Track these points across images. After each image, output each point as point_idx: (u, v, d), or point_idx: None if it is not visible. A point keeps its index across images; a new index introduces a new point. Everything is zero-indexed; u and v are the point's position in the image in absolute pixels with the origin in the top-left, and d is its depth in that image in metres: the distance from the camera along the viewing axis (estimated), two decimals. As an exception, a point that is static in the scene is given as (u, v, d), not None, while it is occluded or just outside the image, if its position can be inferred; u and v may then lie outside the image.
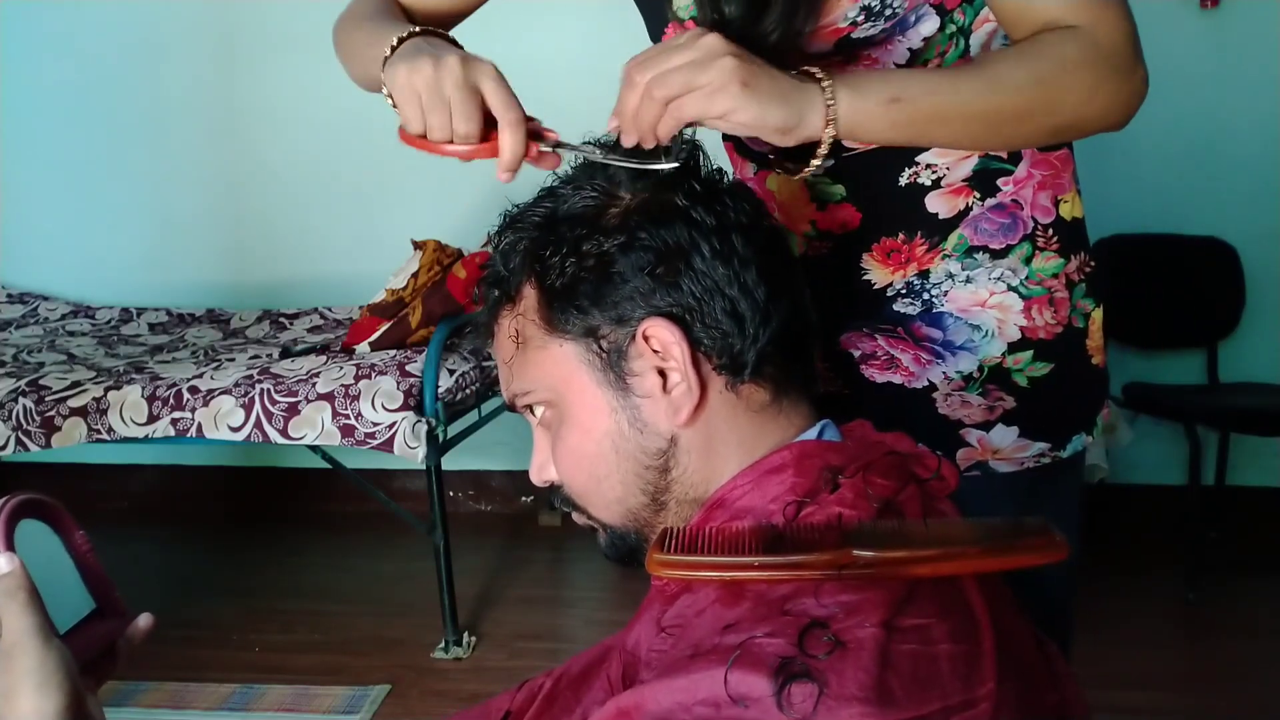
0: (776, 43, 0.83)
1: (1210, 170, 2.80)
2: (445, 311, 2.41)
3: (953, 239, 0.94)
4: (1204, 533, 2.66)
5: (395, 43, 0.80)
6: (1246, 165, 2.77)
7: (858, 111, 0.75)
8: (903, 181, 0.93)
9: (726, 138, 1.08)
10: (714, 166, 0.75)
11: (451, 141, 0.75)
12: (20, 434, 2.28)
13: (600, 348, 0.70)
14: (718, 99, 0.71)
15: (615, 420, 0.70)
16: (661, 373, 0.69)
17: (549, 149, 0.75)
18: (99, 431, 2.27)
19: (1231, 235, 2.77)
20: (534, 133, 0.75)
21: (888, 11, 0.84)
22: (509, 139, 0.73)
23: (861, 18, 0.84)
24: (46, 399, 2.29)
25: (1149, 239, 2.77)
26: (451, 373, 2.32)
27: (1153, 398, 2.65)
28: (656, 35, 0.96)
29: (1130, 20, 0.81)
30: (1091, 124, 0.83)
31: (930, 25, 0.87)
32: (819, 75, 0.75)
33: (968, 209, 0.94)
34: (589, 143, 0.75)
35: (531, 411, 0.75)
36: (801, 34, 0.85)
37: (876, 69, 0.82)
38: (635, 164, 0.72)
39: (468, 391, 2.39)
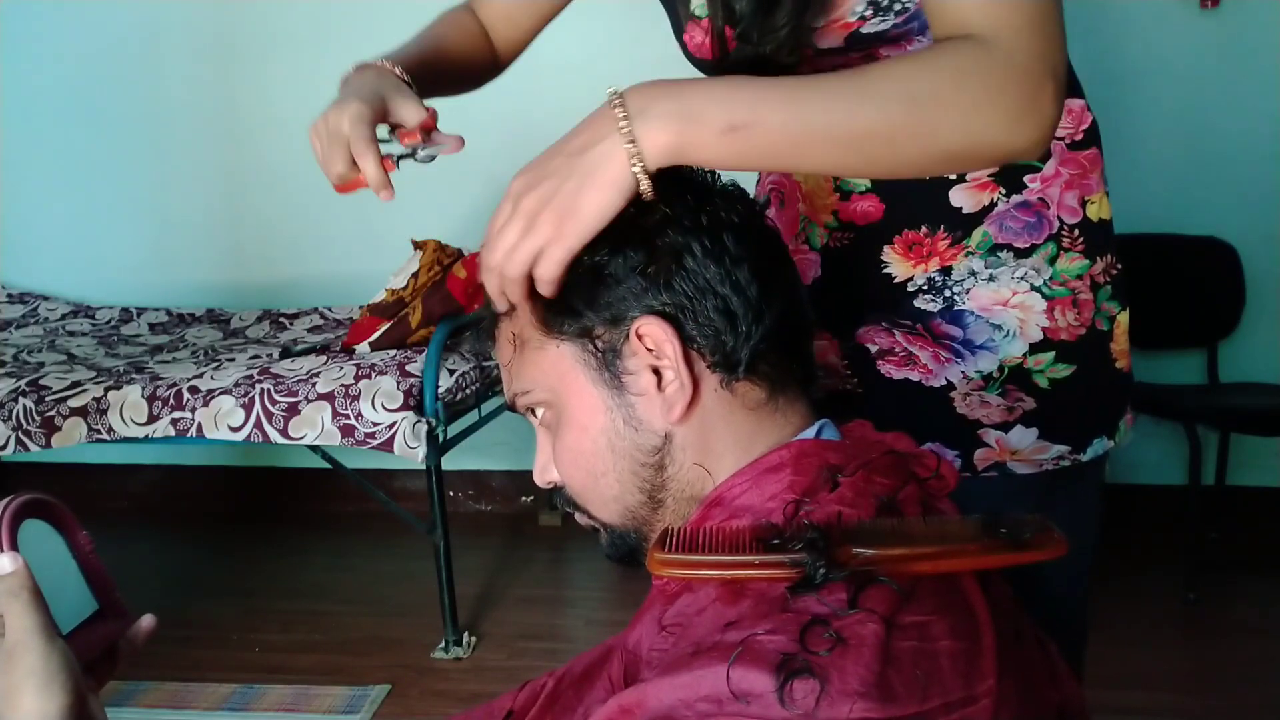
0: (786, 38, 0.83)
1: (1210, 170, 2.80)
2: (445, 311, 2.41)
3: (977, 235, 0.94)
4: (1204, 533, 2.66)
5: (347, 76, 0.90)
6: (1246, 165, 2.77)
7: (683, 144, 0.68)
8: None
9: None
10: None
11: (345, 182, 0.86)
12: (20, 434, 2.28)
13: (595, 347, 0.70)
14: (559, 248, 0.68)
15: (611, 418, 0.71)
16: (656, 371, 0.69)
17: (394, 160, 0.86)
18: (99, 431, 2.27)
19: (1231, 235, 2.76)
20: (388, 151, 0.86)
21: (896, 6, 0.84)
22: (363, 165, 0.82)
23: (870, 12, 0.84)
24: (46, 399, 2.29)
25: (1149, 239, 2.77)
26: (451, 373, 2.32)
27: (1153, 398, 2.65)
28: (679, 32, 0.97)
29: (1048, 36, 0.72)
30: (989, 148, 0.72)
31: None
32: (616, 108, 0.68)
33: (992, 204, 0.93)
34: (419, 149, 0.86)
35: (533, 413, 0.76)
36: (812, 29, 0.85)
37: (727, 80, 0.71)
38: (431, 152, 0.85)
39: (468, 391, 2.39)
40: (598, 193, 0.68)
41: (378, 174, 0.82)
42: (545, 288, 0.70)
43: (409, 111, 0.85)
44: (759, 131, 0.68)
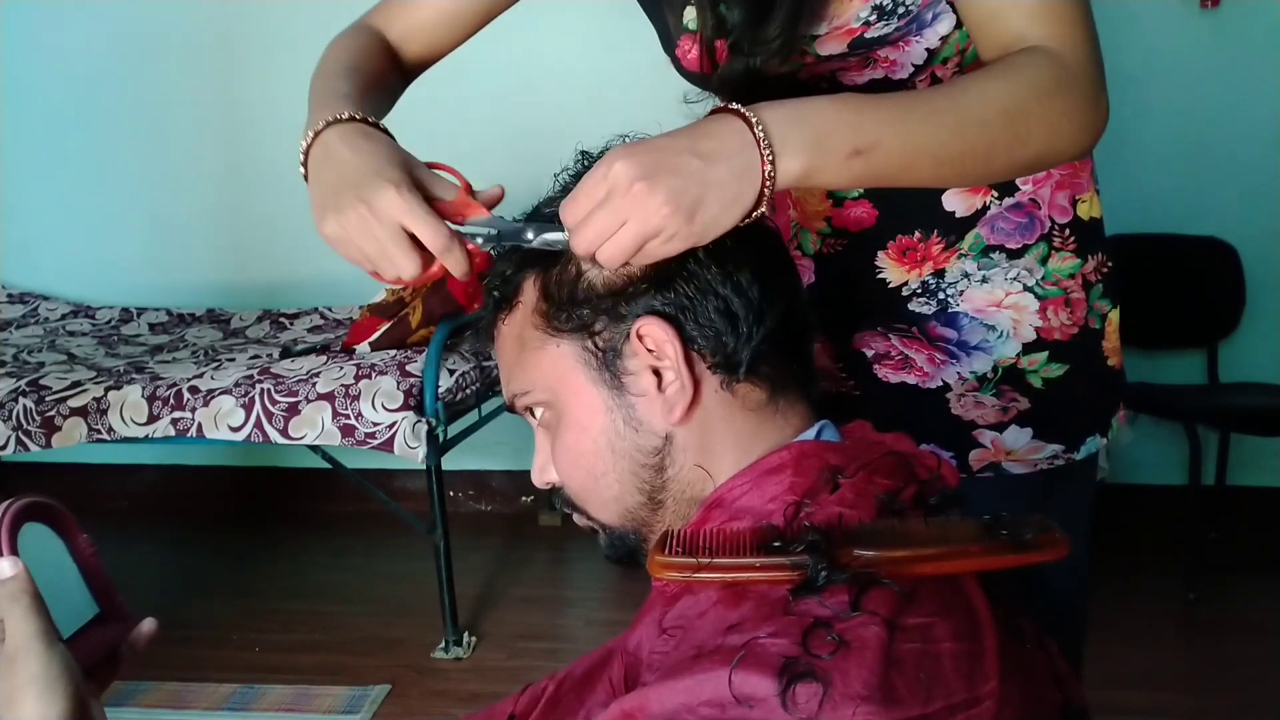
0: (779, 49, 0.82)
1: (1210, 170, 2.80)
2: (445, 311, 2.41)
3: (969, 238, 0.94)
4: (1204, 533, 2.66)
5: (305, 145, 0.78)
6: (1246, 165, 2.77)
7: (811, 170, 0.68)
8: None
9: None
10: None
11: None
12: (20, 434, 2.28)
13: (596, 347, 0.70)
14: (674, 244, 0.66)
15: (611, 419, 0.70)
16: (656, 372, 0.69)
17: (484, 244, 0.73)
18: (99, 431, 2.27)
19: (1231, 235, 2.77)
20: (458, 222, 0.74)
21: (900, 10, 0.84)
22: (451, 263, 0.72)
23: (874, 17, 0.84)
24: (47, 399, 2.29)
25: (1149, 239, 2.77)
26: (451, 373, 2.32)
27: (1153, 398, 2.65)
28: (670, 48, 0.96)
29: (1096, 45, 0.78)
30: (1056, 156, 0.79)
31: (947, 23, 0.86)
32: (759, 134, 0.66)
33: (985, 208, 0.93)
34: (517, 219, 0.74)
35: (532, 413, 0.75)
36: (804, 38, 0.85)
37: (846, 101, 0.71)
38: (548, 245, 0.71)
39: (468, 391, 2.39)
40: (724, 211, 0.66)
41: (466, 267, 0.72)
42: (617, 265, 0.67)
43: (441, 183, 0.75)
44: (878, 155, 0.70)
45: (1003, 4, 0.78)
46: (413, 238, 0.71)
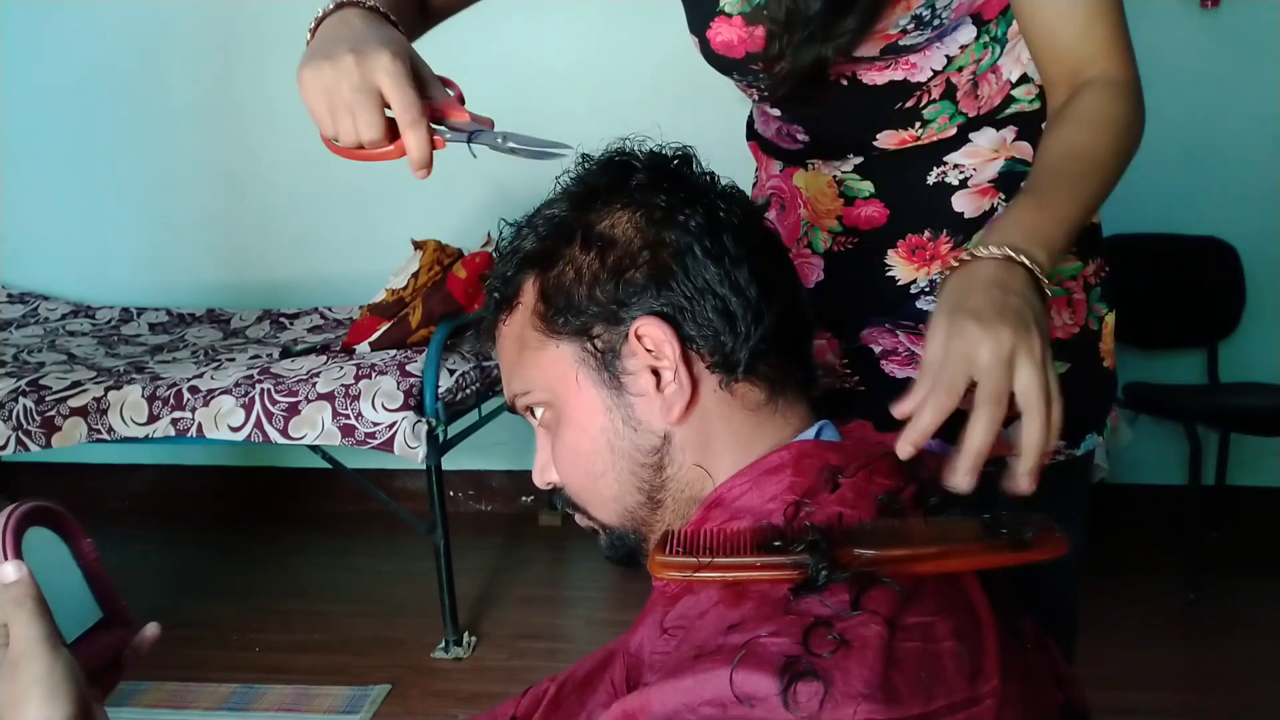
0: (851, 40, 0.83)
1: (1210, 170, 2.80)
2: (445, 311, 2.41)
3: (977, 239, 0.95)
4: (1204, 533, 2.66)
5: (320, 14, 0.77)
6: (1246, 165, 2.77)
7: (1051, 264, 0.75)
8: (931, 180, 0.95)
9: (750, 135, 1.08)
10: (707, 170, 0.76)
11: (362, 147, 0.74)
12: (20, 434, 2.28)
13: (595, 347, 0.70)
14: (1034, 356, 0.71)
15: (610, 418, 0.71)
16: (655, 372, 0.70)
17: (454, 137, 0.74)
18: (99, 431, 2.27)
19: (1231, 235, 2.77)
20: (438, 120, 0.74)
21: (935, 21, 0.86)
22: (412, 140, 0.71)
23: (912, 25, 0.86)
24: (47, 399, 2.29)
25: (1149, 239, 2.77)
26: (451, 373, 2.32)
27: (1153, 398, 2.65)
28: (701, 28, 0.94)
29: (1136, 64, 0.85)
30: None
31: (967, 34, 0.89)
32: (1037, 274, 0.72)
33: (993, 209, 0.95)
34: (500, 134, 0.75)
35: (532, 413, 0.76)
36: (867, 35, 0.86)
37: (1041, 207, 0.78)
38: (535, 149, 0.73)
39: (468, 391, 2.39)
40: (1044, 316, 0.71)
41: (426, 150, 0.71)
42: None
43: (438, 88, 0.75)
44: (1073, 225, 0.78)
45: (1068, 43, 0.83)
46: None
